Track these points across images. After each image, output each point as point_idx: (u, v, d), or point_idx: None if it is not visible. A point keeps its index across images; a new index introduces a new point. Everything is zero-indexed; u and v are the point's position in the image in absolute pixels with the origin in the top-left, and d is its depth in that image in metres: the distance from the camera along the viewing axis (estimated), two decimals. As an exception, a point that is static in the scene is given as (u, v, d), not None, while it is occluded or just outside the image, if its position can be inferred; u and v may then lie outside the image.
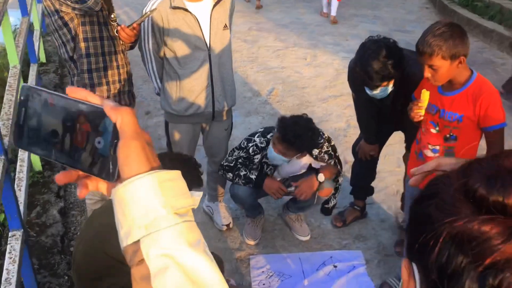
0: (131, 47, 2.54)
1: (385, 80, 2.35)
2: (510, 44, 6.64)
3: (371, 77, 2.32)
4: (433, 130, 2.22)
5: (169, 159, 2.10)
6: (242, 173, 2.79)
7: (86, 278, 2.14)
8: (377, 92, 2.42)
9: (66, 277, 2.46)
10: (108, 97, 2.43)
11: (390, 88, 2.42)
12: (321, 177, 2.77)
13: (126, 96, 2.54)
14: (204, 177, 2.35)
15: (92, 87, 2.38)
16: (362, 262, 2.93)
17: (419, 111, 2.18)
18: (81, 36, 2.26)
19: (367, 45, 2.33)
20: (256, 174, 2.77)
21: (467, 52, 2.06)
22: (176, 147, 2.82)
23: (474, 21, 7.36)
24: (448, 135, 2.17)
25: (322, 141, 2.77)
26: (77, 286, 2.22)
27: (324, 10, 8.00)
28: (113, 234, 1.96)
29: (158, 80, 2.72)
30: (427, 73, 2.09)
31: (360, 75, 2.36)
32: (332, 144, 2.85)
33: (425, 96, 2.14)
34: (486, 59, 6.38)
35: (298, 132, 2.49)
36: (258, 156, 2.78)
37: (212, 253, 1.87)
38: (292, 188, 2.79)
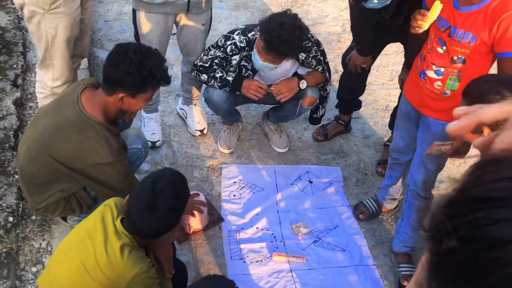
0: None
1: None
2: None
3: None
4: (439, 50, 1.89)
5: (133, 52, 1.79)
6: (218, 75, 2.49)
7: (32, 183, 1.94)
8: (373, 4, 2.04)
9: (17, 176, 2.26)
10: None
11: (388, 0, 2.03)
12: (303, 83, 2.49)
13: None
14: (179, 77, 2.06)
15: None
16: (340, 180, 2.78)
17: (423, 24, 1.82)
18: None
19: None
20: (234, 76, 2.48)
21: None
22: (145, 40, 2.47)
23: None
24: (455, 57, 1.85)
25: (310, 44, 2.44)
26: (23, 189, 2.04)
27: None
28: (58, 136, 1.72)
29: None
30: None
31: None
32: (322, 49, 2.54)
33: (436, 8, 1.77)
34: None
35: (285, 37, 2.17)
36: (237, 57, 2.46)
37: (177, 259, 1.61)
38: (272, 88, 2.51)
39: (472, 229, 0.39)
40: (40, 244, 2.23)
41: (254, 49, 2.37)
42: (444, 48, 1.87)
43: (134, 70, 1.76)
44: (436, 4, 1.76)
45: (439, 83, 1.93)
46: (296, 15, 2.27)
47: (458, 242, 0.40)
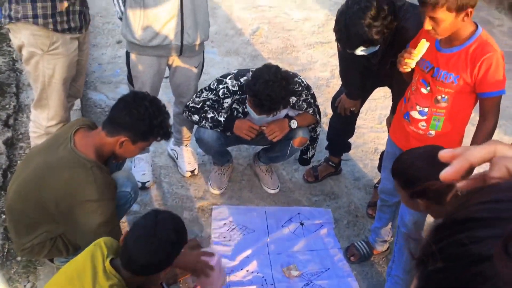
0: None
1: (365, 45, 2.03)
2: (510, 5, 6.32)
3: (349, 38, 2.01)
4: (423, 90, 1.96)
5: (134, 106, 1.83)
6: (209, 116, 2.53)
7: (20, 223, 1.91)
8: (359, 52, 2.12)
9: (4, 216, 2.23)
10: (52, 15, 2.10)
11: (376, 48, 2.12)
12: (294, 123, 2.54)
13: (76, 17, 2.19)
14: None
15: (33, 2, 2.03)
16: (331, 222, 2.77)
17: (410, 62, 1.89)
18: None
19: None
20: (225, 116, 2.51)
21: (476, 2, 1.75)
22: (138, 81, 2.52)
23: (477, -23, 6.99)
24: (439, 97, 1.91)
25: (300, 88, 2.50)
26: (10, 230, 2.00)
27: None
28: (49, 174, 1.71)
29: (121, 3, 2.37)
30: (428, 25, 1.78)
31: (339, 31, 2.05)
32: (312, 92, 2.60)
33: (422, 45, 1.85)
34: (482, 18, 6.06)
35: (274, 95, 2.22)
36: (228, 100, 2.51)
37: None
38: (264, 128, 2.54)
39: (457, 248, 0.41)
40: (25, 286, 2.16)
41: (247, 105, 2.42)
42: (428, 88, 1.93)
43: (147, 117, 1.82)
44: (422, 41, 1.84)
45: (423, 123, 1.98)
46: (277, 67, 2.32)
47: (443, 262, 0.42)
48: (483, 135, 1.87)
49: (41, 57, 2.14)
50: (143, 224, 1.57)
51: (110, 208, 1.87)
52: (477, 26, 1.85)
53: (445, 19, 1.74)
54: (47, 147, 1.88)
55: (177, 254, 1.64)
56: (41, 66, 2.16)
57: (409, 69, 1.91)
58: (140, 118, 1.82)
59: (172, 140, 3.04)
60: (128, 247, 1.53)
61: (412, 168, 1.63)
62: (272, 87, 2.20)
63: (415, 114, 2.00)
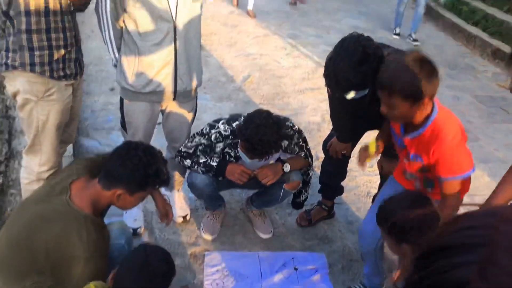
0: (80, 10, 2.23)
1: (354, 89, 2.10)
2: (492, 52, 6.55)
3: (338, 83, 2.07)
4: (405, 160, 2.02)
5: (131, 153, 1.82)
6: (201, 160, 2.53)
7: (9, 273, 1.86)
8: (349, 96, 2.18)
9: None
10: (49, 63, 2.13)
11: (365, 91, 2.18)
12: (286, 166, 2.55)
13: (72, 64, 2.24)
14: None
15: (31, 51, 2.07)
16: (325, 266, 2.73)
17: (368, 161, 2.11)
18: None
19: (346, 43, 2.05)
20: (218, 161, 2.52)
21: (434, 92, 1.75)
22: (131, 127, 2.54)
23: (459, 26, 7.27)
24: (418, 169, 1.96)
25: (292, 132, 2.53)
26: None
27: None
28: (42, 225, 1.68)
29: (116, 51, 2.42)
30: (383, 108, 1.82)
31: (329, 76, 2.11)
32: (303, 136, 2.63)
33: (372, 147, 2.01)
34: (467, 64, 6.27)
35: (265, 139, 2.24)
36: (220, 145, 2.53)
37: None
38: (256, 172, 2.54)
39: (438, 275, 0.43)
40: None
41: (239, 149, 2.44)
42: (408, 161, 1.99)
43: (141, 167, 1.78)
44: (370, 143, 1.99)
45: (417, 183, 2.03)
46: (269, 112, 2.36)
47: None
48: (444, 215, 1.75)
49: (36, 103, 2.15)
50: (133, 258, 1.56)
51: (99, 264, 1.80)
52: (433, 109, 1.83)
53: (401, 107, 1.75)
54: (43, 196, 1.85)
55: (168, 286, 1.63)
56: (35, 112, 2.17)
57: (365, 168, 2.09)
58: (134, 169, 1.79)
59: (164, 185, 3.02)
60: (119, 280, 1.51)
61: (396, 216, 1.67)
62: (263, 131, 2.23)
63: (408, 176, 2.05)
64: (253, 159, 2.39)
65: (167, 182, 1.95)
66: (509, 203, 1.73)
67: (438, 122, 1.81)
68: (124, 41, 2.38)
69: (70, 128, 2.47)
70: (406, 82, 1.69)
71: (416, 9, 6.73)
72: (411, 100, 1.72)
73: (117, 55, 2.43)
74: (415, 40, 6.67)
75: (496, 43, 6.65)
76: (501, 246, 0.43)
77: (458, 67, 6.03)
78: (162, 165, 1.89)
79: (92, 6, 2.30)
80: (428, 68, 1.71)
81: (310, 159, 2.69)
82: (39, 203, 1.83)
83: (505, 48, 6.43)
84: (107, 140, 3.65)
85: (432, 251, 0.47)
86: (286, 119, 2.55)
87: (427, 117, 1.82)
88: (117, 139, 3.61)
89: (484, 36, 6.94)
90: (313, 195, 3.15)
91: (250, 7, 7.05)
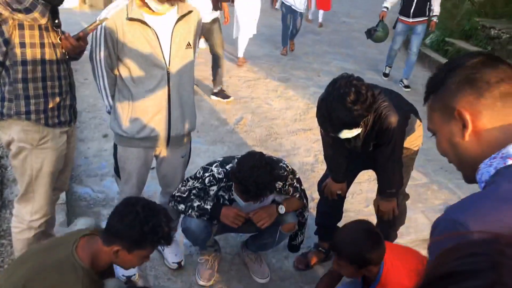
0: (75, 58, 2.27)
1: (347, 128, 2.14)
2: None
3: (331, 122, 2.12)
4: None
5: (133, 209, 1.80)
6: (195, 204, 2.51)
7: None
8: (342, 135, 2.21)
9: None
10: (45, 111, 2.15)
11: (358, 130, 2.22)
12: (281, 208, 2.53)
13: (66, 111, 2.25)
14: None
15: (27, 99, 2.09)
16: (324, 311, 2.66)
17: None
18: (17, 40, 1.97)
19: (337, 84, 2.11)
20: (212, 204, 2.50)
21: (379, 260, 2.02)
22: (125, 173, 2.53)
23: (445, 65, 7.46)
24: None
25: (285, 173, 2.54)
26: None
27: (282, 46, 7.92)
28: (42, 274, 1.63)
29: (110, 98, 2.45)
30: (334, 264, 2.11)
31: (322, 116, 2.16)
32: (297, 177, 2.63)
33: None
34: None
35: (260, 180, 2.23)
36: (214, 188, 2.52)
37: None
38: (251, 215, 2.51)
39: None
40: None
41: (233, 192, 2.43)
42: None
43: (137, 224, 1.75)
44: None
45: None
46: (261, 153, 2.37)
47: None
48: None
49: (30, 151, 2.15)
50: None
51: None
52: (380, 267, 2.06)
53: (347, 268, 2.05)
54: (48, 247, 1.83)
55: None
56: (30, 160, 2.16)
57: None
58: (131, 225, 1.76)
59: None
60: None
61: (352, 243, 2.00)
62: (257, 173, 2.23)
63: None
64: (248, 201, 2.37)
65: (167, 240, 1.85)
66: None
67: (386, 278, 2.04)
68: (118, 87, 2.41)
69: (64, 175, 2.46)
70: (353, 251, 1.99)
71: (409, 56, 6.73)
72: (356, 266, 2.01)
73: (111, 102, 2.46)
74: (406, 87, 6.65)
75: (482, 81, 6.81)
76: (509, 269, 0.45)
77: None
78: (162, 222, 1.81)
79: (86, 53, 2.35)
80: (374, 239, 2.02)
81: (305, 200, 2.68)
82: (42, 253, 1.81)
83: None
84: (100, 187, 3.63)
85: (437, 278, 0.49)
86: (279, 160, 2.56)
87: (376, 274, 2.06)
88: (111, 185, 3.59)
89: (470, 75, 7.11)
90: (309, 238, 3.12)
91: (240, 54, 7.02)
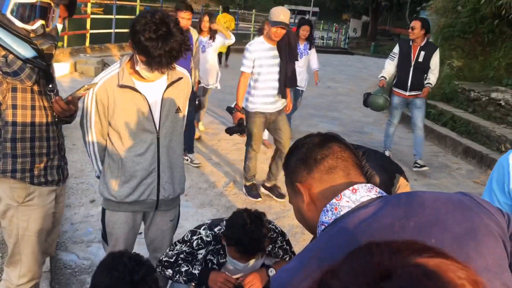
0: (66, 122, 2.31)
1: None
2: (463, 150, 6.84)
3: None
4: None
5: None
6: (183, 269, 2.45)
7: None
8: None
9: None
10: (31, 169, 2.16)
11: None
12: (272, 271, 2.48)
13: (54, 171, 2.26)
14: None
15: (14, 158, 2.11)
16: None
17: None
18: (9, 102, 2.04)
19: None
20: (200, 269, 2.45)
21: None
22: (112, 238, 2.49)
23: (429, 127, 7.65)
24: None
25: (275, 235, 2.51)
26: None
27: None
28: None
29: (100, 163, 2.46)
30: None
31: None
32: (287, 239, 2.61)
33: None
34: (441, 163, 6.50)
35: (255, 236, 2.24)
36: (203, 251, 2.48)
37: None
38: (240, 280, 2.45)
39: None
40: None
41: (228, 256, 2.40)
42: None
43: (127, 274, 1.74)
44: None
45: None
46: (246, 209, 2.39)
47: None
48: None
49: (16, 209, 2.14)
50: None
51: None
52: None
53: None
54: None
55: None
56: (15, 219, 2.14)
57: None
58: (120, 277, 1.74)
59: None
60: None
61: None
62: (251, 229, 2.23)
63: None
64: (247, 260, 2.33)
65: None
66: None
67: None
68: (107, 152, 2.42)
69: (51, 236, 2.41)
70: None
71: (415, 133, 6.10)
72: None
73: (100, 167, 2.46)
74: (423, 166, 5.98)
75: (466, 141, 6.98)
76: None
77: (433, 166, 6.24)
78: (148, 271, 1.83)
79: (77, 119, 2.39)
80: None
81: (295, 263, 2.63)
82: None
83: (475, 146, 6.74)
84: (85, 253, 3.54)
85: None
86: (268, 222, 2.55)
87: None
88: (97, 251, 3.50)
89: (454, 135, 7.30)
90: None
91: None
